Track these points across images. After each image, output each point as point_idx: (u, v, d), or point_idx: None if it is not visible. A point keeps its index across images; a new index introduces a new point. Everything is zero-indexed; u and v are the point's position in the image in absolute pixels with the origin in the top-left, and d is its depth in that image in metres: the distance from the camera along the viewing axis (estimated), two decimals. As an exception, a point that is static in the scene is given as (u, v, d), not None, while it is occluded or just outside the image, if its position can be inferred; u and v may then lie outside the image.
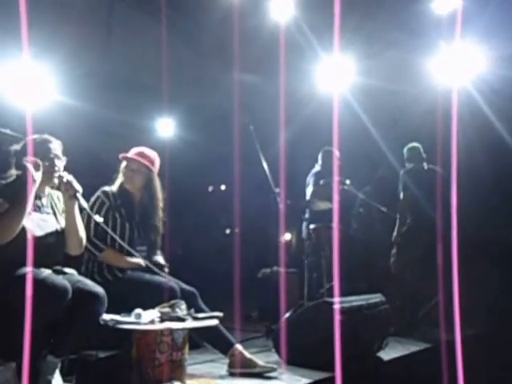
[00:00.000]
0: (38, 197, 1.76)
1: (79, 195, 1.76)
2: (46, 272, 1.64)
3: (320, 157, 3.50)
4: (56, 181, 1.76)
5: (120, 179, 2.16)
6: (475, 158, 3.62)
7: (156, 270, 1.99)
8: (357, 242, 3.29)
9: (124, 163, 2.17)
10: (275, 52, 3.13)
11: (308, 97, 3.87)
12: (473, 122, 3.40)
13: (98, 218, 1.87)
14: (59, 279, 1.59)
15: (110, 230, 1.93)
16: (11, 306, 1.48)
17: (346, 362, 1.86)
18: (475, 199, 3.65)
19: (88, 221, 1.96)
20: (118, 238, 1.95)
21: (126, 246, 1.97)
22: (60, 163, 1.78)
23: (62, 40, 3.05)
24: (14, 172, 1.74)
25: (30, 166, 1.64)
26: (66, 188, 1.75)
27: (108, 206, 2.05)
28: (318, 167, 3.47)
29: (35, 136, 1.79)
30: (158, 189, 2.19)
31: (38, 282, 1.52)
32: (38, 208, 1.75)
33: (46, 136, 1.81)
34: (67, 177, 1.75)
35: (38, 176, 1.65)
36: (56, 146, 1.81)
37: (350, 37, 3.06)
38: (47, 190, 1.81)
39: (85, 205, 1.81)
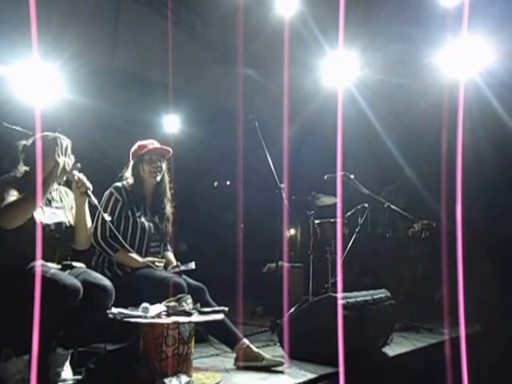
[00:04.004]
0: (49, 191, 1.79)
1: (90, 192, 1.80)
2: (54, 269, 1.66)
3: None
4: (64, 177, 1.78)
5: (138, 172, 2.14)
6: (482, 154, 3.57)
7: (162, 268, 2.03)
8: (362, 237, 3.29)
9: (140, 157, 2.15)
10: (280, 47, 3.12)
11: (313, 91, 3.85)
12: (481, 117, 3.35)
13: (107, 217, 1.89)
14: (70, 278, 1.61)
15: (115, 230, 1.94)
16: (21, 300, 1.51)
17: (351, 358, 1.86)
18: (482, 196, 3.61)
19: (104, 219, 1.97)
20: (118, 239, 1.96)
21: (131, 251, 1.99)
22: (70, 161, 1.81)
23: (70, 38, 3.08)
24: (23, 168, 1.77)
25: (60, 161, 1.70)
26: (77, 185, 1.78)
27: (122, 203, 2.06)
28: None
29: (47, 133, 1.82)
30: (167, 179, 2.24)
31: (48, 280, 1.55)
32: (48, 202, 1.79)
33: (57, 134, 1.84)
34: (78, 174, 1.79)
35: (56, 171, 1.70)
36: (67, 145, 1.84)
37: (355, 31, 3.03)
38: (55, 184, 1.84)
39: (95, 202, 1.84)
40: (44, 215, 1.72)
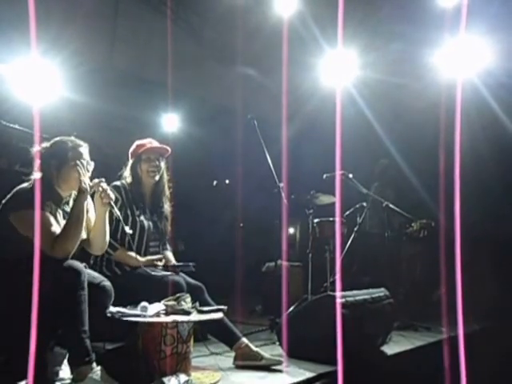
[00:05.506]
0: (66, 203, 1.77)
1: (113, 203, 1.79)
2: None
3: None
4: (88, 188, 1.73)
5: (136, 172, 2.14)
6: (480, 154, 3.58)
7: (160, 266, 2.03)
8: (361, 236, 3.29)
9: (138, 157, 2.15)
10: (279, 46, 3.12)
11: (312, 91, 3.86)
12: (478, 117, 3.36)
13: (128, 230, 1.90)
14: (75, 261, 1.63)
15: (121, 236, 1.96)
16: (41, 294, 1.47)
17: (350, 356, 1.87)
18: (480, 195, 3.62)
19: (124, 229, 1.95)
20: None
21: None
22: (91, 168, 1.78)
23: (69, 36, 3.08)
24: (37, 174, 1.70)
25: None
26: (101, 195, 1.76)
27: (121, 202, 2.05)
28: None
29: (63, 137, 1.77)
30: (166, 178, 2.23)
31: (55, 264, 1.56)
32: (66, 214, 1.75)
33: (74, 138, 1.78)
34: (103, 185, 1.76)
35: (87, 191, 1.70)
36: (86, 151, 1.79)
37: (354, 30, 3.04)
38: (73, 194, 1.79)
39: (118, 213, 1.84)
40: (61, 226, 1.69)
